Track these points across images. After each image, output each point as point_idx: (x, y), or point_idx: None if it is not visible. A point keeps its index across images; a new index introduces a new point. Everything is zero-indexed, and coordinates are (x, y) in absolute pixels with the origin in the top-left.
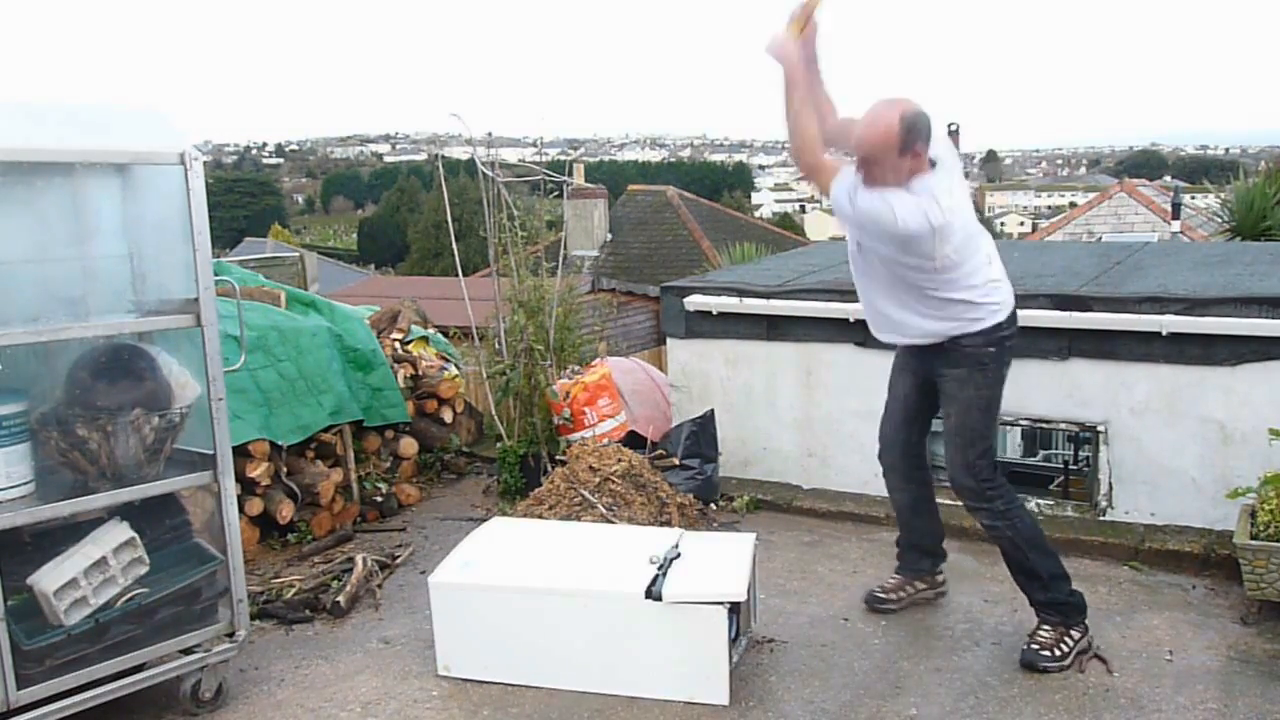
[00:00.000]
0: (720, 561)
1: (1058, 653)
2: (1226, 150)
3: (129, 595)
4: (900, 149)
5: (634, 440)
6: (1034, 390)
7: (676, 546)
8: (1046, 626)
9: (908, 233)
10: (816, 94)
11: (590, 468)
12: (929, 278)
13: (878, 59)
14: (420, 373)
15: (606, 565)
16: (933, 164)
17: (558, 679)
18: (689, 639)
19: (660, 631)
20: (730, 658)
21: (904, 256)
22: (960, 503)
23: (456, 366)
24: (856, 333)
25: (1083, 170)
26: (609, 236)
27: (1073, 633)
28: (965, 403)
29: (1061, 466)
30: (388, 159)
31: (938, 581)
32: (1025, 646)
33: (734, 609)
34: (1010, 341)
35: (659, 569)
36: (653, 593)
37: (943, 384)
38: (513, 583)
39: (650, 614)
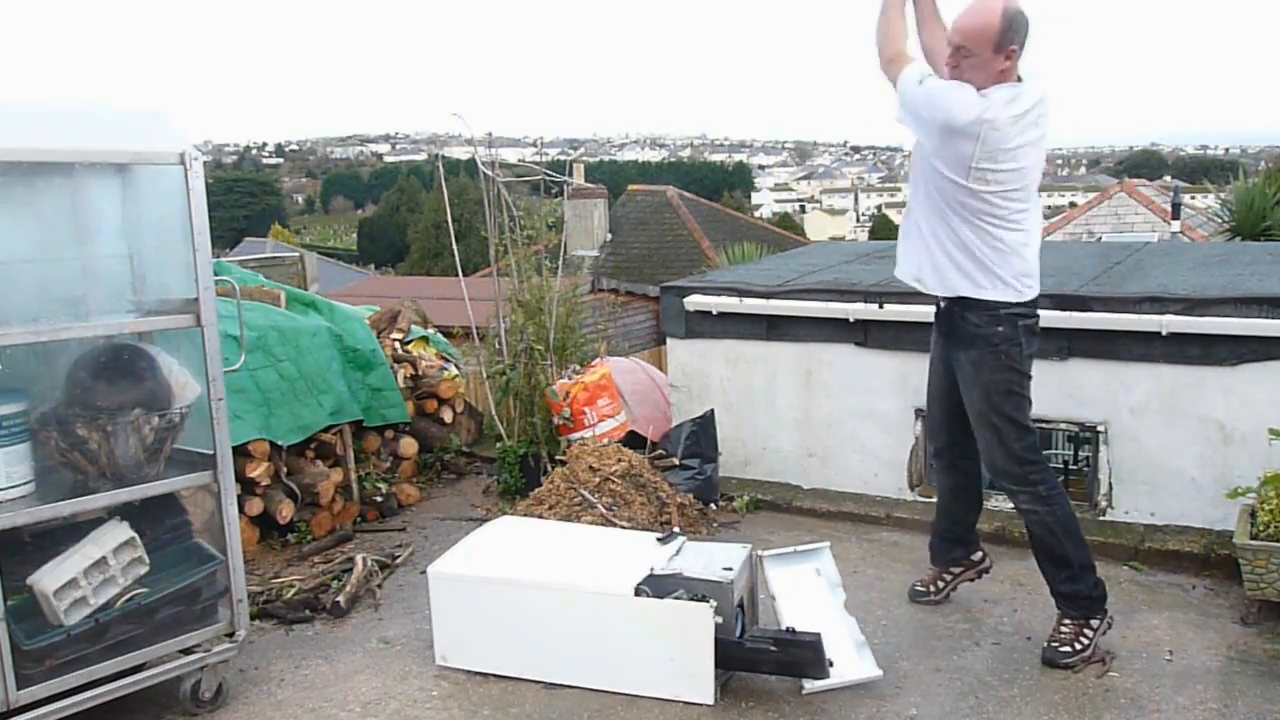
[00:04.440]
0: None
1: (1078, 646)
2: (1226, 150)
3: (129, 595)
4: (996, 44)
5: (634, 440)
6: (1034, 390)
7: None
8: (1067, 621)
9: (954, 121)
10: (930, 17)
11: (590, 468)
12: (959, 199)
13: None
14: (420, 373)
15: (602, 563)
16: (1020, 80)
17: (550, 673)
18: (675, 638)
19: (648, 629)
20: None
21: (942, 158)
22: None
23: (456, 366)
24: (856, 333)
25: (1083, 170)
26: (609, 236)
27: (1092, 623)
28: (984, 388)
29: (1061, 466)
30: (388, 159)
31: (975, 561)
32: (1045, 644)
33: (739, 609)
34: (1025, 323)
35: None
36: (641, 590)
37: (959, 370)
38: (508, 576)
39: (639, 612)
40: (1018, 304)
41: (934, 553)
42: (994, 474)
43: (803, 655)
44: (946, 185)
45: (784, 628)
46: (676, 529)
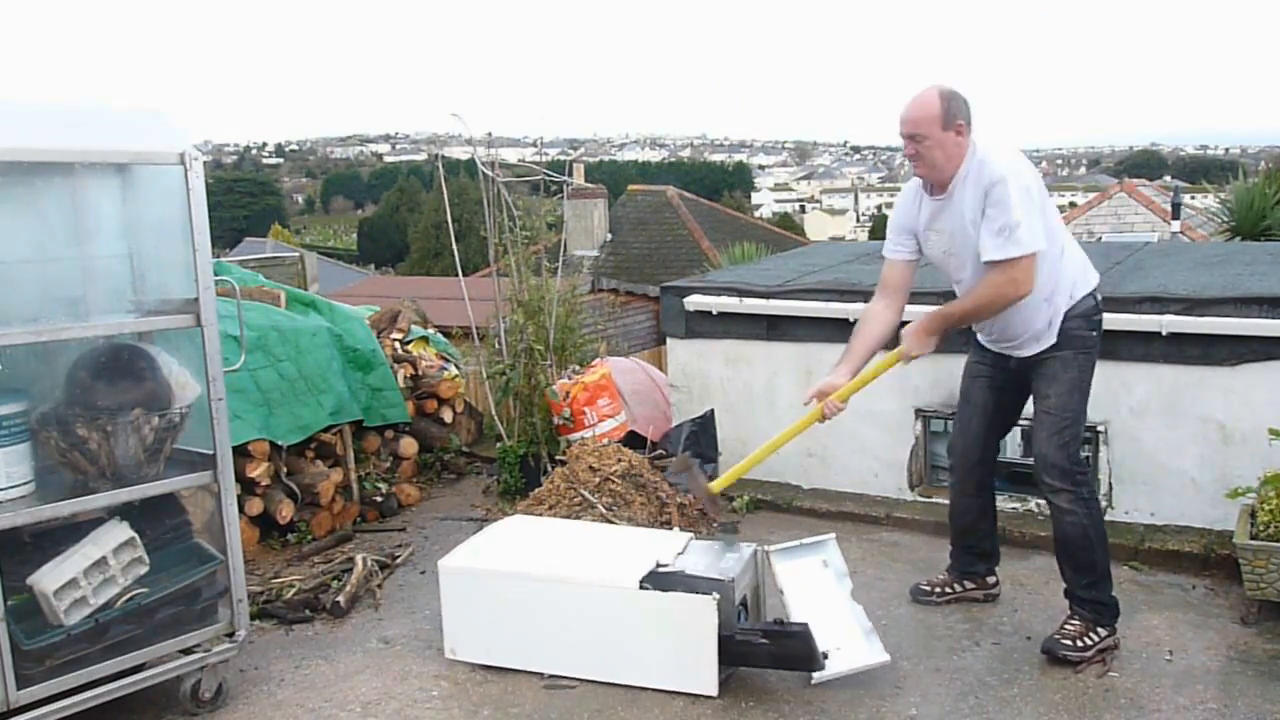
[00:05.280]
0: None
1: (1080, 644)
2: (1226, 150)
3: (129, 595)
4: (944, 123)
5: (634, 440)
6: None
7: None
8: (1075, 620)
9: (1031, 186)
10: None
11: (590, 468)
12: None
13: (878, 58)
14: (420, 373)
15: (608, 559)
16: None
17: (557, 665)
18: (679, 631)
19: (653, 622)
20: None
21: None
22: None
23: (456, 366)
24: None
25: (1083, 170)
26: (609, 236)
27: (1100, 630)
28: (1068, 383)
29: None
30: (388, 159)
31: (989, 584)
32: (1050, 635)
33: (741, 606)
34: (1101, 327)
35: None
36: (645, 586)
37: (1043, 368)
38: (515, 569)
39: (644, 605)
40: (1099, 304)
41: (954, 561)
42: (1044, 470)
43: (793, 646)
44: None
45: (771, 620)
46: (677, 528)
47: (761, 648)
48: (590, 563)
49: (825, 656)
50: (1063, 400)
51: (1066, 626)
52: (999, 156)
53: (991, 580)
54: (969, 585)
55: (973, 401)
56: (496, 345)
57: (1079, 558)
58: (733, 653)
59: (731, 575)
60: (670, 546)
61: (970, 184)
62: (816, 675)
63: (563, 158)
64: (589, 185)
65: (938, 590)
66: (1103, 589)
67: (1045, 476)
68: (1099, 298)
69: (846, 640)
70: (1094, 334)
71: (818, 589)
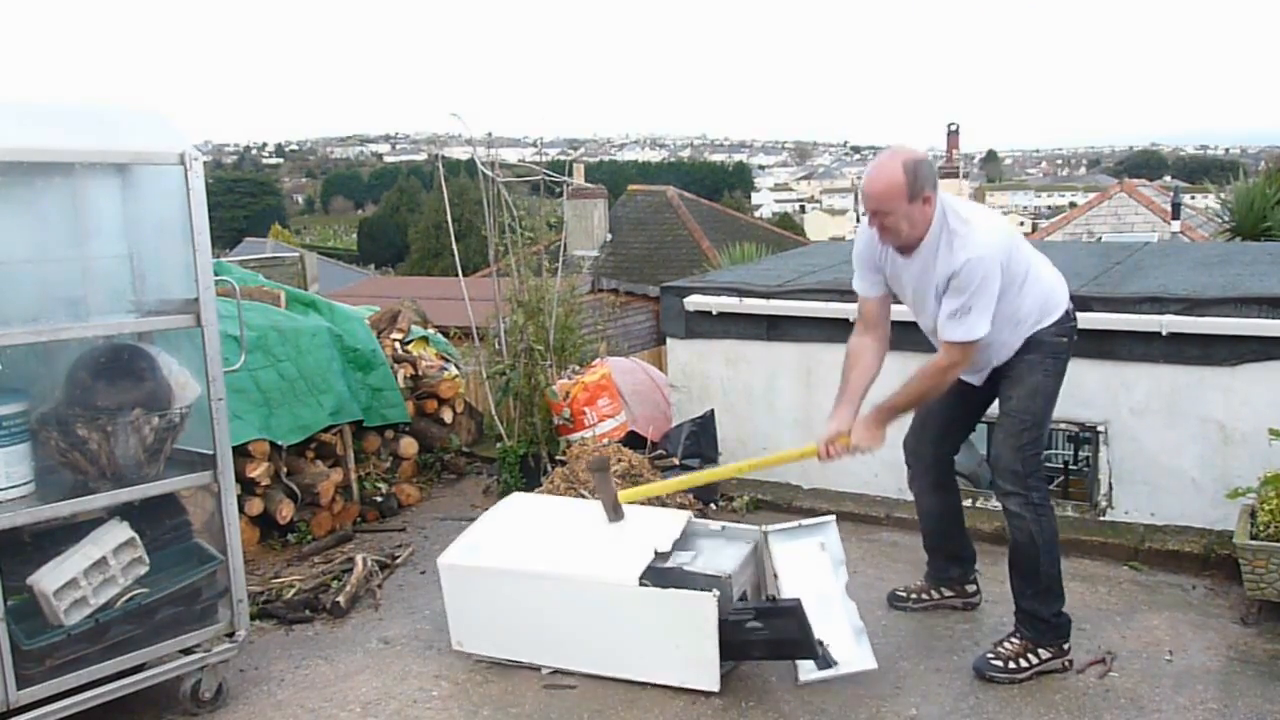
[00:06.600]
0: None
1: (1013, 666)
2: (1226, 150)
3: (129, 595)
4: (909, 195)
5: (634, 440)
6: None
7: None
8: (1015, 638)
9: (994, 278)
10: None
11: None
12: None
13: (879, 58)
14: (420, 373)
15: (606, 549)
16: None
17: (559, 660)
18: (680, 626)
19: (654, 618)
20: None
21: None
22: (992, 493)
23: (456, 366)
24: None
25: (1083, 170)
26: (609, 236)
27: (1040, 651)
28: (1032, 386)
29: (1061, 466)
30: (388, 159)
31: (968, 592)
32: (982, 652)
33: (741, 600)
34: (1075, 335)
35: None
36: (644, 582)
37: (1009, 370)
38: (513, 567)
39: (643, 601)
40: (1070, 312)
41: (929, 567)
42: (996, 471)
43: (787, 627)
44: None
45: (764, 597)
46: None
47: (756, 632)
48: (589, 556)
49: (821, 644)
50: (1024, 403)
51: (1003, 646)
52: (971, 236)
53: (971, 589)
54: (946, 593)
55: (930, 408)
56: (496, 345)
57: (1023, 564)
58: (729, 641)
59: (730, 571)
60: (668, 531)
61: (941, 251)
62: (803, 676)
63: (563, 158)
64: (589, 185)
65: (914, 597)
66: (1044, 604)
67: (998, 479)
68: (1070, 308)
69: (837, 641)
70: (1064, 340)
71: (813, 575)
